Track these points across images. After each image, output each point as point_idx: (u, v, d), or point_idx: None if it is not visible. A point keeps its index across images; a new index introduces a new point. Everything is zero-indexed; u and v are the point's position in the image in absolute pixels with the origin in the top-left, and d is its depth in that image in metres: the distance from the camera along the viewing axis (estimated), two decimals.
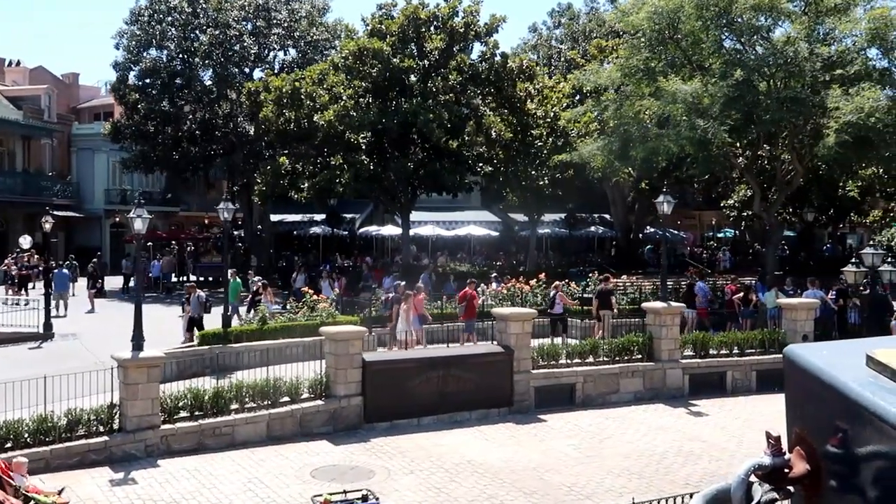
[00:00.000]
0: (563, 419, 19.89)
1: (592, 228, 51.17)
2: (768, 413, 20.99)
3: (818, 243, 57.52)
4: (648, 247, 51.66)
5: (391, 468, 16.14)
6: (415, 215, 48.13)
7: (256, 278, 26.69)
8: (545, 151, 36.43)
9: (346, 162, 33.46)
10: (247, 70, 42.56)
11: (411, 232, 47.87)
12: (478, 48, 36.90)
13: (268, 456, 16.68)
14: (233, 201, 47.65)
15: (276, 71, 41.49)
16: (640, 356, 22.18)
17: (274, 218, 48.70)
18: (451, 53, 35.78)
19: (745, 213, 45.85)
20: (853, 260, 17.98)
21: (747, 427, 19.53)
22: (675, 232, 54.33)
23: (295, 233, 48.48)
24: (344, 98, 34.07)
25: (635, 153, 31.23)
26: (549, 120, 36.54)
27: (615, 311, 27.62)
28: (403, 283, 28.73)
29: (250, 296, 26.81)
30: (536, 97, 37.42)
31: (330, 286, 29.00)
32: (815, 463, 2.88)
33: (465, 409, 19.62)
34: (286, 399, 18.16)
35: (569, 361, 21.45)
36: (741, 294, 26.76)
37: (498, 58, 36.11)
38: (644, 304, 24.06)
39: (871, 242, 59.26)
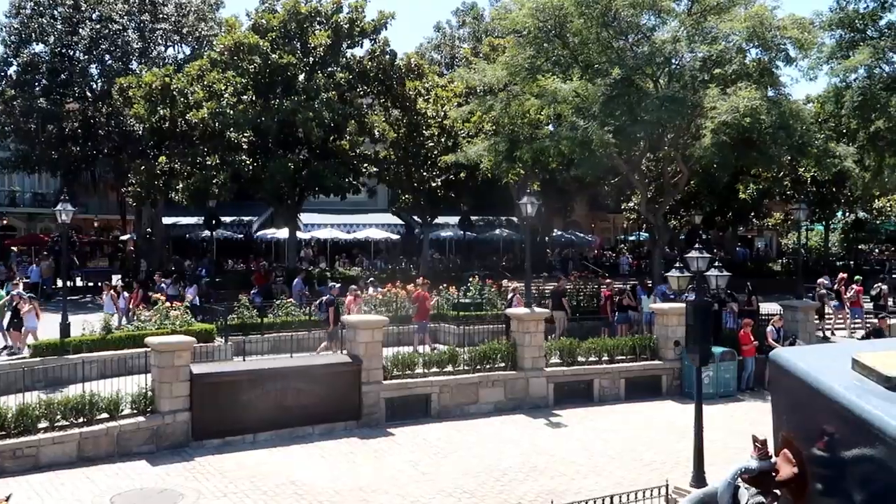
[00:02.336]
0: (413, 433, 18.81)
1: (498, 231, 50.29)
2: (631, 422, 20.27)
3: (727, 246, 57.60)
4: (559, 249, 51.06)
5: (204, 491, 14.86)
6: (312, 217, 46.94)
7: (18, 291, 23.54)
8: (436, 152, 35.42)
9: (223, 162, 31.94)
10: (133, 66, 40.68)
11: (308, 235, 46.65)
12: (368, 45, 35.71)
13: (71, 479, 15.23)
14: (123, 203, 46.10)
15: (161, 67, 39.69)
16: (503, 364, 21.22)
17: (169, 220, 46.81)
18: (339, 50, 34.55)
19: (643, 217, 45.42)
20: (677, 264, 17.26)
21: (603, 439, 18.71)
22: (583, 235, 53.85)
23: (187, 236, 46.66)
24: (226, 95, 32.57)
25: (521, 154, 30.42)
26: (439, 119, 35.50)
27: (568, 312, 26.85)
28: (338, 285, 27.86)
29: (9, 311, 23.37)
30: (427, 96, 36.39)
31: (184, 292, 27.43)
32: (801, 466, 2.89)
33: (309, 423, 18.42)
34: (104, 416, 16.71)
35: (425, 371, 20.37)
36: (619, 298, 26.03)
37: (387, 56, 34.93)
38: (508, 311, 23.11)
39: (763, 246, 59.68)
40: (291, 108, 30.93)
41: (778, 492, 3.08)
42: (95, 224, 53.66)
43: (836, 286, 32.68)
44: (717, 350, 23.00)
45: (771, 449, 3.14)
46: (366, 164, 34.48)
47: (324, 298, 26.33)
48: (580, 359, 22.24)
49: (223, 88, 32.39)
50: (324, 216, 46.97)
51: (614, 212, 62.81)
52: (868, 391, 2.54)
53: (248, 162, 32.53)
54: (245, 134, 33.25)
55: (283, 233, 44.00)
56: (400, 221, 48.04)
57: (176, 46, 42.88)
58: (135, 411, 17.06)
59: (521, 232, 49.30)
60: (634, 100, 27.04)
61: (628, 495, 12.34)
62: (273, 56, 32.20)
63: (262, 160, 33.00)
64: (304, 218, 47.61)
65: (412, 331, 25.69)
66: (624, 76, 26.35)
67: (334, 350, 23.43)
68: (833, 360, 2.80)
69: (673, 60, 27.83)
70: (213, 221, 34.24)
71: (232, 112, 31.12)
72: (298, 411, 18.32)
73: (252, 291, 31.87)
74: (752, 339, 23.33)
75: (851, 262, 44.53)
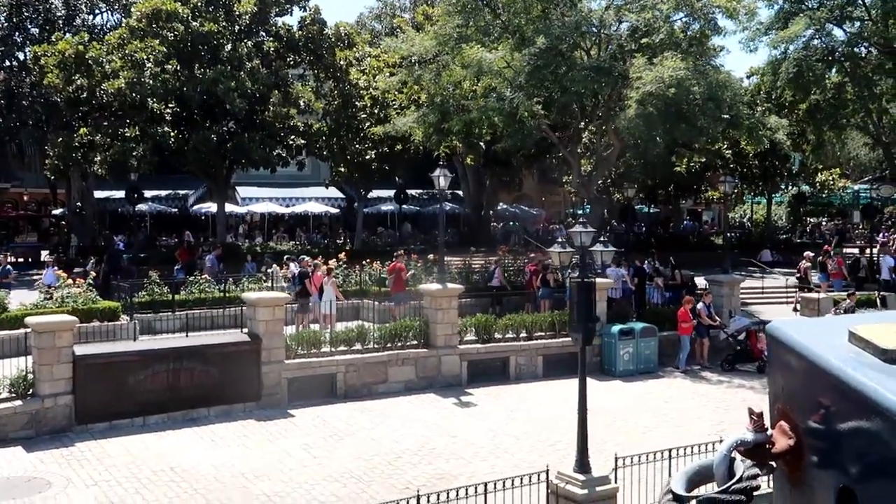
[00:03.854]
0: (315, 414, 18.11)
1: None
2: (545, 401, 19.71)
3: (677, 219, 57.38)
4: (506, 223, 50.44)
5: (74, 479, 14.07)
6: (251, 191, 45.88)
7: None
8: (368, 124, 34.51)
9: (144, 134, 30.79)
10: (58, 34, 39.15)
11: (244, 209, 45.62)
12: (299, 14, 34.65)
13: None
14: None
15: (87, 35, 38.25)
16: (415, 342, 20.56)
17: (101, 194, 45.43)
18: (266, 18, 33.45)
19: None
20: (559, 239, 16.68)
21: (513, 419, 18.17)
22: (527, 209, 53.25)
23: (120, 210, 45.34)
24: (148, 64, 31.33)
25: (451, 125, 29.62)
26: (371, 90, 34.57)
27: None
28: (307, 258, 27.16)
29: None
30: (360, 66, 35.42)
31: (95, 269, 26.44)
32: (797, 439, 2.83)
33: (204, 405, 17.67)
34: None
35: (332, 349, 19.65)
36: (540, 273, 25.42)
37: (316, 25, 33.86)
38: (420, 287, 22.40)
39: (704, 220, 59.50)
40: (213, 77, 29.85)
41: (774, 464, 3.02)
42: (26, 198, 52.09)
43: (821, 258, 32.42)
44: (637, 326, 22.59)
45: (767, 421, 3.06)
46: (293, 137, 33.45)
47: (296, 271, 25.87)
48: (497, 336, 21.63)
49: (144, 57, 31.17)
50: (263, 189, 45.91)
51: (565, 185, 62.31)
52: (864, 364, 2.57)
53: (171, 134, 31.40)
54: (169, 105, 32.08)
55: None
56: (341, 195, 47.07)
57: (103, 14, 41.38)
58: (13, 395, 16.18)
59: (465, 206, 48.69)
60: (562, 70, 26.34)
61: (504, 482, 11.73)
62: (194, 24, 31.02)
63: (187, 132, 31.90)
64: (242, 191, 46.57)
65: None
66: (550, 46, 25.60)
67: (305, 323, 22.95)
68: (830, 332, 2.77)
69: (602, 30, 27.11)
70: (136, 195, 33.07)
71: (152, 82, 29.95)
72: (193, 393, 17.56)
73: (175, 267, 31.02)
74: (691, 316, 22.82)
75: (794, 235, 44.29)
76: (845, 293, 26.15)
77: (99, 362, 16.82)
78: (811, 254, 33.51)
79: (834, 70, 36.12)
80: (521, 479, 11.97)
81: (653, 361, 22.46)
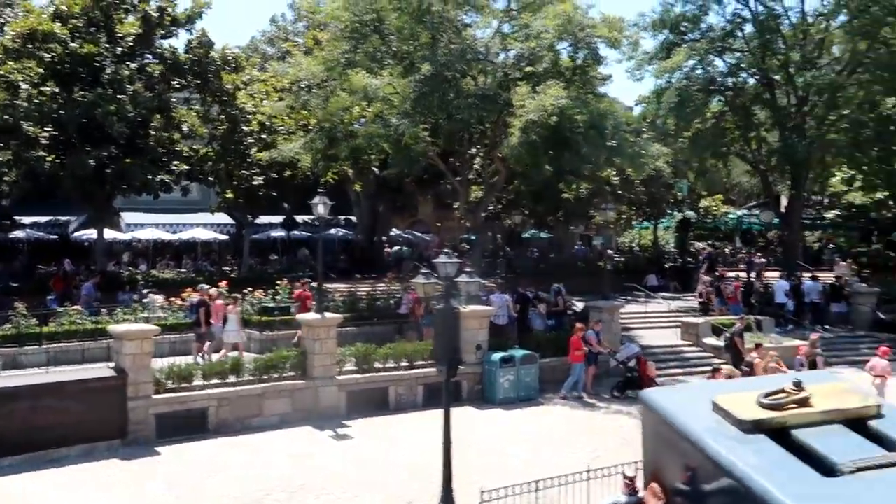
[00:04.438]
0: (183, 451, 17.42)
1: (333, 231, 49.00)
2: (422, 432, 19.40)
3: (569, 246, 58.12)
4: (395, 248, 50.17)
5: None
6: (137, 217, 44.44)
7: None
8: (255, 149, 33.88)
9: (17, 158, 29.48)
10: None
11: (130, 236, 44.18)
12: (185, 36, 33.78)
13: None
14: None
15: None
16: (292, 374, 20.07)
17: None
18: (150, 41, 32.52)
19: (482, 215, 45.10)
20: (423, 270, 16.62)
21: (388, 451, 17.81)
22: (421, 235, 53.19)
23: None
24: (24, 86, 30.02)
25: (339, 151, 29.33)
26: (258, 116, 33.96)
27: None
28: (208, 286, 26.17)
29: None
30: (248, 91, 34.78)
31: None
32: (665, 500, 3.32)
33: (65, 444, 16.79)
34: None
35: (204, 383, 19.00)
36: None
37: (202, 48, 33.09)
38: (298, 316, 21.96)
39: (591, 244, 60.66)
40: (91, 100, 28.80)
41: None
42: None
43: (717, 283, 33.12)
44: (518, 353, 22.58)
45: (640, 483, 3.33)
46: (176, 162, 32.54)
47: (194, 300, 25.17)
48: (377, 365, 21.32)
49: (20, 79, 29.87)
50: (149, 215, 44.50)
51: None
52: (723, 434, 2.81)
53: (46, 158, 30.12)
54: (46, 128, 30.79)
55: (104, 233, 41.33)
56: (231, 221, 46.03)
57: None
58: None
59: (358, 231, 48.30)
60: (449, 97, 26.38)
61: None
62: (73, 45, 29.91)
63: (65, 156, 30.66)
64: (127, 217, 45.09)
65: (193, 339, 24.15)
66: (436, 72, 25.61)
67: (205, 353, 22.27)
68: (696, 401, 2.96)
69: (488, 58, 27.29)
70: (10, 221, 31.60)
71: (27, 104, 28.71)
72: (52, 432, 16.66)
73: (49, 297, 29.74)
74: (584, 344, 22.91)
75: (679, 260, 45.36)
76: (736, 318, 26.77)
77: None
78: (708, 278, 34.31)
79: (715, 99, 37.33)
80: None
81: (534, 388, 22.47)
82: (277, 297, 27.45)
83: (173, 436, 18.06)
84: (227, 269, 40.16)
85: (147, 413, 17.82)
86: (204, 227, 44.77)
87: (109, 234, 42.86)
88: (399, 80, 26.39)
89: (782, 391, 3.28)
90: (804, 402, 3.20)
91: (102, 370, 18.20)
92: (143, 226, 43.59)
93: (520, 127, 24.53)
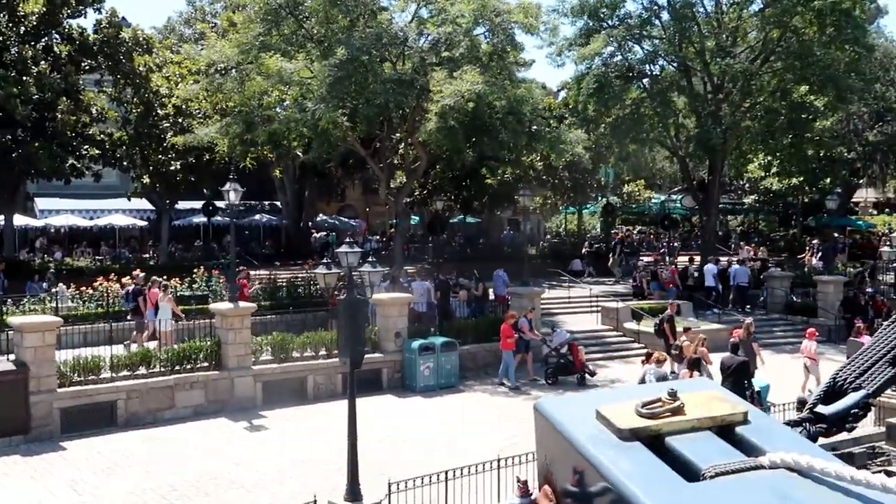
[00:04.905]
0: (90, 446, 16.91)
1: (258, 217, 48.25)
2: (341, 422, 19.12)
3: (497, 231, 58.26)
4: (321, 234, 49.64)
5: None
6: (51, 203, 43.10)
7: None
8: (171, 133, 33.01)
9: None
10: None
11: (43, 222, 42.87)
12: (94, 16, 32.68)
13: None
14: None
15: None
16: (206, 364, 19.65)
17: None
18: (57, 20, 31.37)
19: (406, 201, 44.86)
20: (325, 260, 16.43)
21: (304, 442, 17.55)
22: (346, 220, 52.73)
23: None
24: None
25: (256, 136, 28.72)
26: (174, 99, 33.09)
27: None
28: (143, 273, 25.84)
29: None
30: (163, 73, 33.85)
31: None
32: (556, 502, 3.11)
33: None
34: None
35: (113, 375, 18.46)
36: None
37: (112, 28, 32.04)
38: (212, 305, 21.52)
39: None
40: None
41: None
42: None
43: (652, 268, 33.45)
44: (438, 340, 22.50)
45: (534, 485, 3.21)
46: (87, 146, 31.52)
47: (130, 289, 24.84)
48: (295, 354, 21.01)
49: None
50: (64, 201, 43.14)
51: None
52: (602, 441, 2.86)
53: None
54: None
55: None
56: (151, 207, 44.94)
57: None
58: None
59: (283, 217, 47.62)
60: (365, 81, 26.04)
61: None
62: None
63: None
64: (41, 203, 43.71)
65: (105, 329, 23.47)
66: (351, 57, 25.23)
67: (141, 343, 21.53)
68: (584, 409, 3.06)
69: (405, 42, 27.01)
70: None
71: None
72: None
73: None
74: (514, 332, 22.87)
75: (596, 245, 45.84)
76: (668, 303, 27.11)
77: None
78: (644, 262, 34.71)
79: (634, 86, 37.66)
80: None
81: (454, 375, 22.42)
82: (194, 286, 26.82)
83: (81, 430, 17.54)
84: (147, 256, 39.27)
85: (51, 407, 17.26)
86: (122, 212, 43.63)
87: (22, 220, 41.51)
88: (315, 65, 25.94)
89: (659, 400, 3.29)
90: (678, 411, 3.23)
91: (2, 364, 17.51)
92: (57, 212, 42.30)
93: (436, 112, 24.34)
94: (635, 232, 59.49)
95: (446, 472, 12.61)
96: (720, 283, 32.47)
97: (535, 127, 27.46)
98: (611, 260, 41.10)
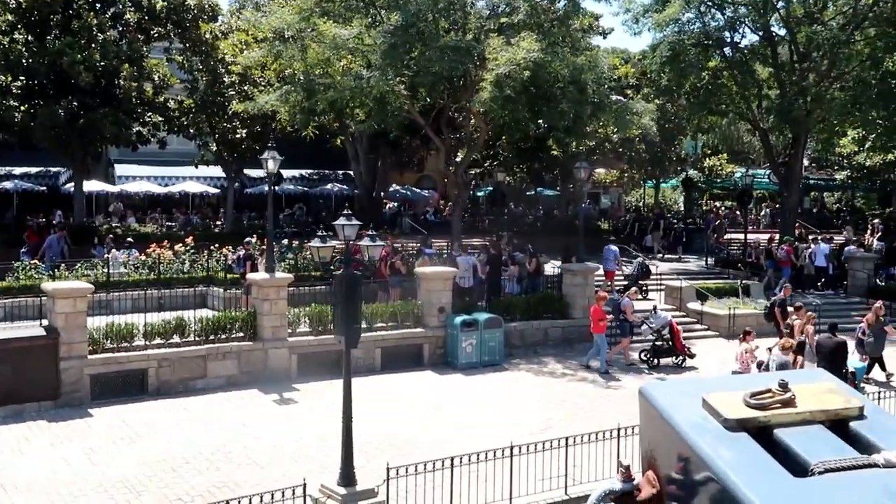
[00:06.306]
0: (116, 414, 16.87)
1: (329, 186, 48.18)
2: (375, 397, 18.72)
3: (577, 205, 56.82)
4: (391, 205, 49.34)
5: None
6: (129, 169, 43.89)
7: None
8: (235, 101, 32.96)
9: None
10: None
11: (119, 188, 43.67)
12: None
13: None
14: None
15: None
16: (241, 335, 19.43)
17: None
18: None
19: (475, 171, 44.13)
20: (320, 232, 15.70)
21: (331, 417, 16.95)
22: (419, 191, 52.24)
23: None
24: None
25: (313, 104, 28.30)
26: (236, 66, 32.99)
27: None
28: (254, 238, 26.85)
29: None
30: (226, 40, 33.78)
31: None
32: (659, 487, 3.28)
33: None
34: None
35: (146, 343, 18.39)
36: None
37: None
38: (248, 276, 21.26)
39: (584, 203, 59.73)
40: (58, 49, 28.03)
41: None
42: None
43: (767, 246, 32.21)
44: (481, 317, 21.80)
45: (637, 470, 3.64)
46: (150, 113, 31.74)
47: (241, 253, 25.62)
48: (332, 327, 20.57)
49: None
50: (141, 168, 43.88)
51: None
52: (707, 430, 2.95)
53: (18, 108, 29.47)
54: (19, 77, 30.09)
55: (90, 185, 40.81)
56: (223, 175, 45.31)
57: None
58: None
59: (355, 187, 47.39)
60: (419, 49, 25.30)
61: (262, 496, 10.75)
62: None
63: (36, 107, 29.99)
64: (119, 169, 44.56)
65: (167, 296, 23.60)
66: (405, 23, 24.50)
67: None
68: (688, 397, 3.11)
69: (462, 8, 26.12)
70: None
71: None
72: None
73: (22, 250, 29.31)
74: (618, 313, 22.04)
75: (675, 222, 44.21)
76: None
77: None
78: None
79: (713, 54, 35.89)
80: (283, 492, 10.98)
81: (499, 353, 21.70)
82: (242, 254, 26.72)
83: (111, 397, 17.55)
84: (216, 224, 39.57)
85: (81, 374, 17.28)
86: (196, 179, 44.12)
87: (98, 185, 42.36)
88: (371, 31, 25.31)
89: (769, 391, 3.48)
90: (788, 403, 3.42)
91: (33, 329, 17.62)
92: (133, 178, 43.03)
93: (491, 81, 23.45)
94: (721, 208, 57.38)
95: (452, 459, 11.98)
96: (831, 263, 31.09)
97: (596, 98, 26.28)
98: (651, 235, 39.59)
